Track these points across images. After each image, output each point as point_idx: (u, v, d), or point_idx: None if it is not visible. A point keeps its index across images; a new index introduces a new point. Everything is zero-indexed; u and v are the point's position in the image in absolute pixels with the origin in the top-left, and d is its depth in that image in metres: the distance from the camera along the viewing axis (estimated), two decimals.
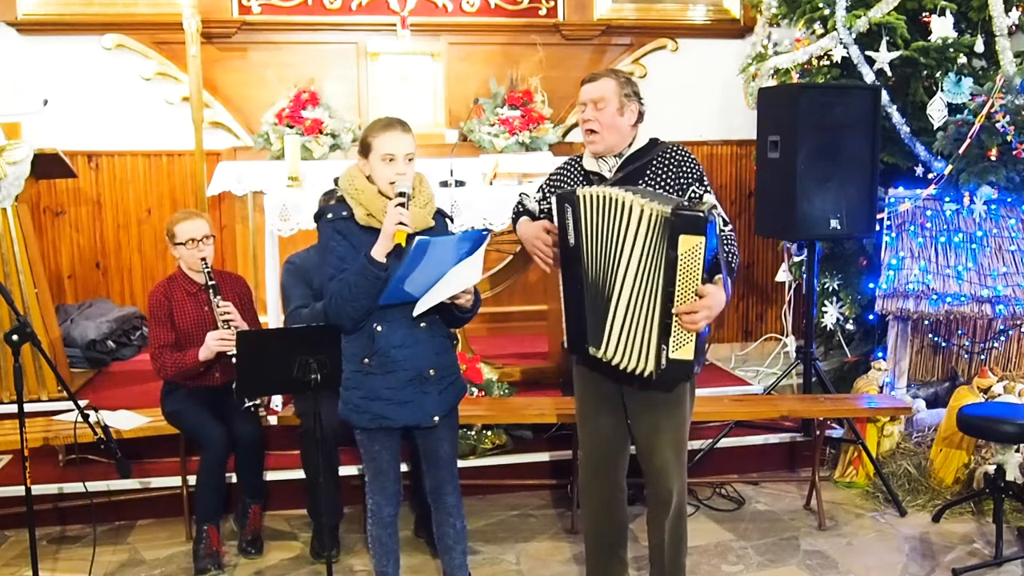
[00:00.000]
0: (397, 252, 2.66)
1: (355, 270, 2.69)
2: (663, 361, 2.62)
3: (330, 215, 2.81)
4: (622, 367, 2.70)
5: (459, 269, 2.69)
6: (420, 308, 2.73)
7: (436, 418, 2.83)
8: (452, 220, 3.07)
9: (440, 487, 2.99)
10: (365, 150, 2.78)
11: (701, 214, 2.50)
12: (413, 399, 2.80)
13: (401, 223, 2.66)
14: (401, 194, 2.69)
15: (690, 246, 2.52)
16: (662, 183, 2.83)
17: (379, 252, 2.68)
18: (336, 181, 2.89)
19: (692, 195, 2.81)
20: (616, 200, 2.63)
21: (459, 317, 2.88)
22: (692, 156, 2.89)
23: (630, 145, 2.89)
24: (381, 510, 2.93)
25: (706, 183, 2.86)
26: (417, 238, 2.60)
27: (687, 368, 2.66)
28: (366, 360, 2.78)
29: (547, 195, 3.03)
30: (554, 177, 3.06)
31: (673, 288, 2.56)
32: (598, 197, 2.66)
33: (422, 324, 2.80)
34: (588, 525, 3.11)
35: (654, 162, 2.86)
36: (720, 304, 2.61)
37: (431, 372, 2.81)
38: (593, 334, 2.75)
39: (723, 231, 2.79)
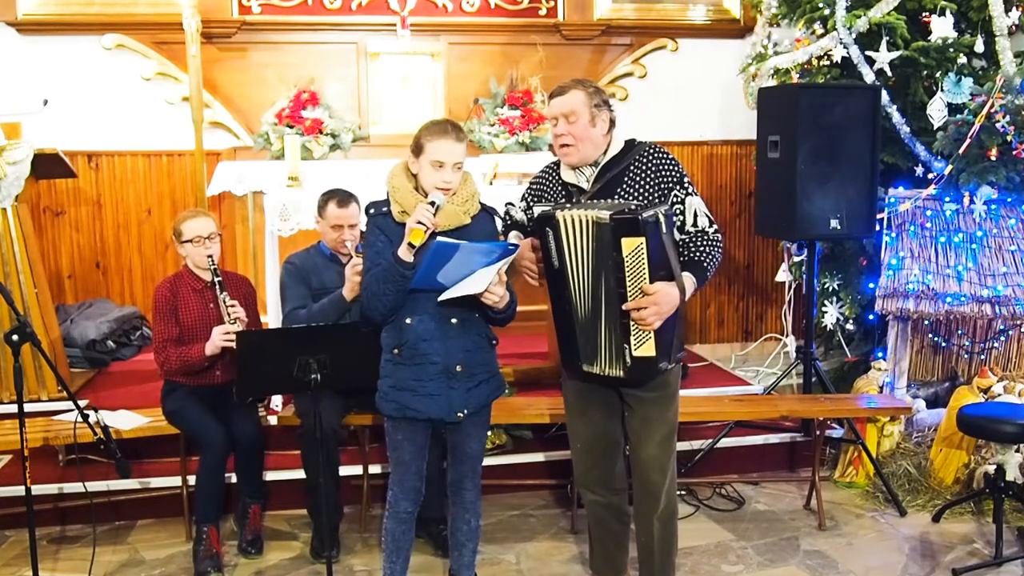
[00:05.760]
0: (423, 249, 2.69)
1: (383, 266, 2.74)
2: (627, 359, 2.69)
3: (372, 210, 2.87)
4: (605, 374, 2.77)
5: (478, 275, 2.71)
6: (442, 298, 2.76)
7: (460, 414, 2.84)
8: (501, 218, 3.06)
9: (460, 481, 3.01)
10: (417, 150, 2.80)
11: (638, 216, 2.55)
12: (439, 392, 2.81)
13: (420, 222, 2.69)
14: (431, 203, 2.72)
15: (632, 247, 2.58)
16: (641, 189, 2.82)
17: (403, 251, 2.71)
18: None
19: (674, 200, 2.82)
20: (591, 221, 2.64)
21: (492, 317, 2.89)
22: (670, 156, 2.87)
23: (605, 152, 2.87)
24: (398, 503, 2.94)
25: (687, 183, 2.85)
26: (438, 239, 2.63)
27: (651, 364, 2.71)
28: (396, 350, 2.82)
29: (531, 205, 3.01)
30: (534, 185, 3.05)
31: (624, 289, 2.63)
32: (576, 220, 2.66)
33: (454, 320, 2.82)
34: (591, 513, 3.13)
35: (631, 168, 2.84)
36: (671, 302, 2.65)
37: (458, 368, 2.82)
38: (585, 352, 2.79)
39: (705, 231, 2.84)
